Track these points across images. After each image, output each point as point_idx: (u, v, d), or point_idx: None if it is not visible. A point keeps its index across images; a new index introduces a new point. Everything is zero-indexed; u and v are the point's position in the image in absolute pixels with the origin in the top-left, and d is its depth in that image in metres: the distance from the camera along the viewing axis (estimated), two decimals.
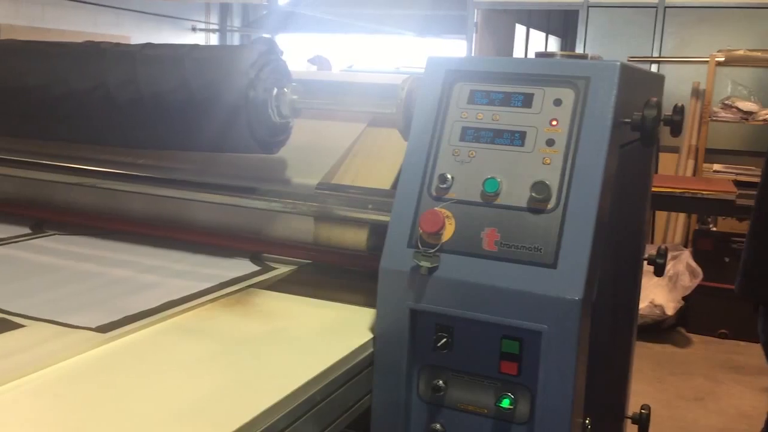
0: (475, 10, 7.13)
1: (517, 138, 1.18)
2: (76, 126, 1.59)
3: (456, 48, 9.43)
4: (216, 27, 10.63)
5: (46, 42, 1.67)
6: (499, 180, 1.16)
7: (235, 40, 11.00)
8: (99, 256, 1.55)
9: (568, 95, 1.17)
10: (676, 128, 1.27)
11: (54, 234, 1.69)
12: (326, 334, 1.25)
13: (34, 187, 1.78)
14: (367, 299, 1.33)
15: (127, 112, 1.50)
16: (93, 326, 1.16)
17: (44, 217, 1.76)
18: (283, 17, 10.01)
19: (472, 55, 6.80)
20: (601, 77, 1.16)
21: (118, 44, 1.58)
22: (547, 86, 1.19)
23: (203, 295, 1.33)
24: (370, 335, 1.21)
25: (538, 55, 1.26)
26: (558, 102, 1.17)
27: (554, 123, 1.17)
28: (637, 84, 1.34)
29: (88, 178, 1.67)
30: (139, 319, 1.20)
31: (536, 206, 1.14)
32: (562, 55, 1.26)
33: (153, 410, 0.94)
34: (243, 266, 1.52)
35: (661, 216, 6.00)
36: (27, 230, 1.71)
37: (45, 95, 1.54)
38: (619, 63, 1.17)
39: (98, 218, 1.72)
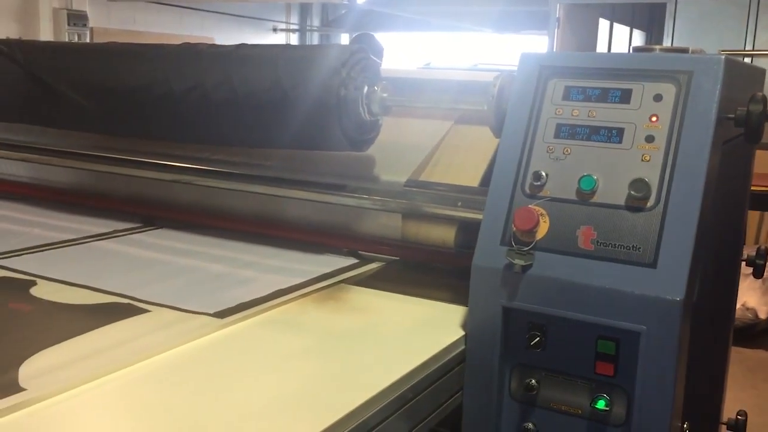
0: (558, 5, 6.99)
1: (614, 134, 1.16)
2: (175, 125, 1.65)
3: (535, 44, 9.28)
4: (296, 27, 10.81)
5: (146, 44, 1.73)
6: (595, 177, 1.14)
7: (314, 39, 11.16)
8: (199, 252, 1.60)
9: (668, 90, 1.14)
10: None
11: (161, 228, 1.77)
12: (417, 330, 1.25)
13: (140, 185, 1.85)
14: (455, 296, 1.33)
15: (222, 112, 1.55)
16: (211, 312, 1.22)
17: (149, 213, 1.84)
18: (361, 16, 10.08)
19: (554, 50, 6.68)
20: (704, 72, 1.13)
21: (213, 45, 1.63)
22: (647, 81, 1.16)
23: (305, 287, 1.38)
24: (462, 332, 1.21)
25: (636, 49, 1.23)
26: (658, 97, 1.14)
27: (654, 119, 1.14)
28: (739, 78, 1.29)
29: (185, 175, 1.73)
30: (251, 306, 1.26)
31: (635, 204, 1.11)
32: (661, 50, 1.22)
33: (252, 400, 0.97)
34: (336, 262, 1.55)
35: (753, 215, 5.75)
36: (138, 224, 1.80)
37: (147, 96, 1.60)
38: (723, 57, 1.13)
39: (196, 214, 1.78)
